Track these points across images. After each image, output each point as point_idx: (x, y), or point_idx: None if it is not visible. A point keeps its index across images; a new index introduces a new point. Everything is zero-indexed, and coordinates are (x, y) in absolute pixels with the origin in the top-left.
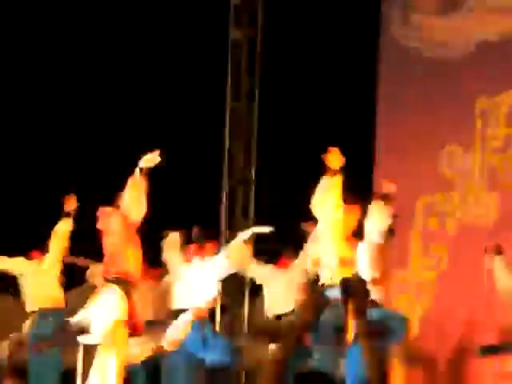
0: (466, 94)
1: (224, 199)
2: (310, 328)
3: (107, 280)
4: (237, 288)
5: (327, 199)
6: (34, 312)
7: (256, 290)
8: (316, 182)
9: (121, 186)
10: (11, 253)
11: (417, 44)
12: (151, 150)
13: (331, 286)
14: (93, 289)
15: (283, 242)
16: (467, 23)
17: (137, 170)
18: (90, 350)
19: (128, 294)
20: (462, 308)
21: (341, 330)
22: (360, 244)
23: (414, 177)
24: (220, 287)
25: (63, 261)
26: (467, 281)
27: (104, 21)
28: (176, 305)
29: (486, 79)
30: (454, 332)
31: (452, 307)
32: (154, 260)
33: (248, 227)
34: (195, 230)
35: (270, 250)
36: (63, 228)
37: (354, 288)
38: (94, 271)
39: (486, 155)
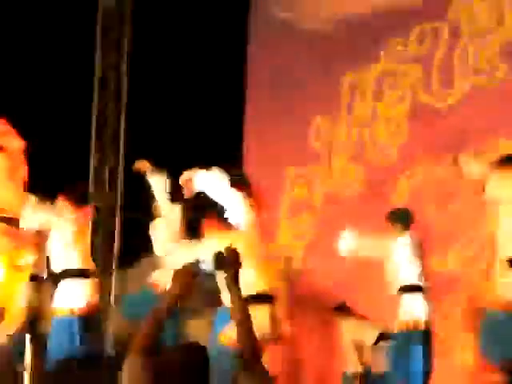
0: (335, 68)
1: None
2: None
3: None
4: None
5: None
6: None
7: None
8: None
9: None
10: None
11: (288, 15)
12: None
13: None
14: None
15: None
16: None
17: None
18: None
19: None
20: (325, 275)
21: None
22: None
23: (284, 148)
24: None
25: None
26: (332, 251)
27: None
28: None
29: (354, 53)
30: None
31: (317, 275)
32: None
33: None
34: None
35: None
36: None
37: (226, 259)
38: None
39: (352, 128)
